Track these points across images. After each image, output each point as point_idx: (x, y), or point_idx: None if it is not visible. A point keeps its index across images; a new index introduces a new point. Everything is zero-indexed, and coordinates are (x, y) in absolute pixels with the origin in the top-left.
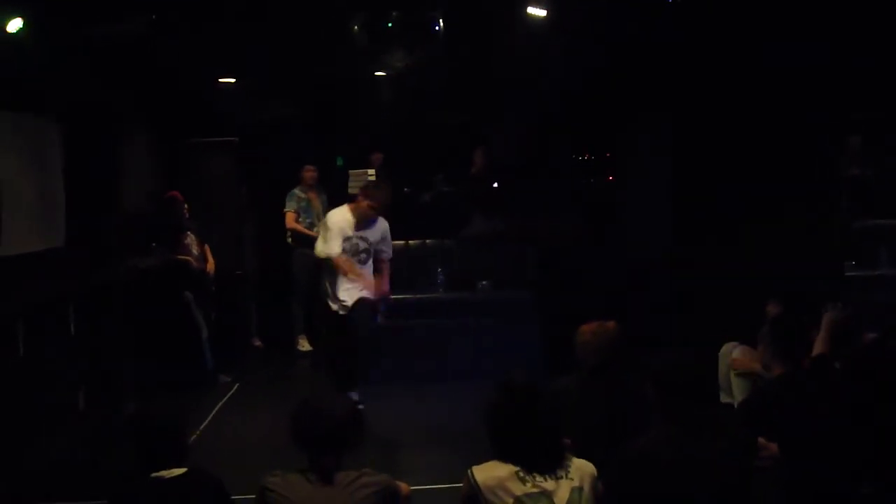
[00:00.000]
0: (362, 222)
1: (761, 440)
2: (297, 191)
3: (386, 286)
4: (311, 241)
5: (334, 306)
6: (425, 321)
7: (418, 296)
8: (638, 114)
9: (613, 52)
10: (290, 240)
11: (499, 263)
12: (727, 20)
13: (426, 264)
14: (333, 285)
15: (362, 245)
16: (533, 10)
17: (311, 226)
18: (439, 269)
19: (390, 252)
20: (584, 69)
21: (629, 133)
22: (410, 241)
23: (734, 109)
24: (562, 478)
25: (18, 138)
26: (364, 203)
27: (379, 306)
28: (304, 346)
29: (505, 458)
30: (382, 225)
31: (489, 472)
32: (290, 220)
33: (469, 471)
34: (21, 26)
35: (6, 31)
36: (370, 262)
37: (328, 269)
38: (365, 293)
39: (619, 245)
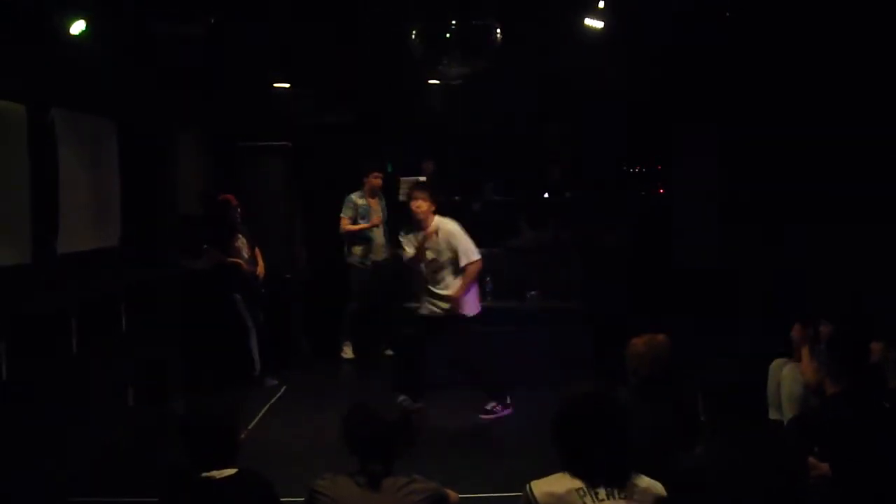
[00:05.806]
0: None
1: (812, 460)
2: (354, 196)
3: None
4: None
5: None
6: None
7: None
8: (689, 125)
9: (665, 64)
10: (346, 252)
11: (548, 273)
12: (778, 30)
13: None
14: None
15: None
16: (590, 22)
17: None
18: (488, 278)
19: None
20: (636, 81)
21: (680, 145)
22: None
23: (784, 121)
24: (626, 497)
25: (77, 137)
26: None
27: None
28: (348, 353)
29: (571, 470)
30: (443, 235)
31: (548, 488)
32: (343, 224)
33: (528, 486)
34: (84, 29)
35: (67, 33)
36: (443, 274)
37: None
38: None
39: (669, 256)
